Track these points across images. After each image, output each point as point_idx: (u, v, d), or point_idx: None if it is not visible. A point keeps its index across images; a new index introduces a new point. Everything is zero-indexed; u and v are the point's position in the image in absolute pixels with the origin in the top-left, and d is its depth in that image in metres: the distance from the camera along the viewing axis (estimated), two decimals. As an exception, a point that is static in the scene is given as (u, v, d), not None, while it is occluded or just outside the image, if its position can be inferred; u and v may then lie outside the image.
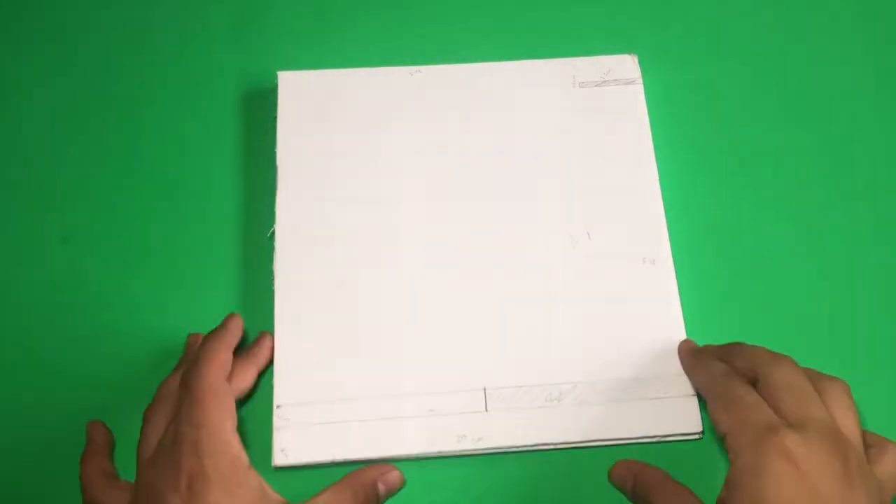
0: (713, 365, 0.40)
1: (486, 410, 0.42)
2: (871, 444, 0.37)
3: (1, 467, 0.42)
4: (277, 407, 0.42)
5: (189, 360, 0.41)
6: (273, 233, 0.45)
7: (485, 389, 0.43)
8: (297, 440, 0.41)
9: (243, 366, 0.42)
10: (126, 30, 0.51)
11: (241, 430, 0.40)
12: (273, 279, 0.44)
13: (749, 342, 0.41)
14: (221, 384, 0.38)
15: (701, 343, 0.43)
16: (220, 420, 0.37)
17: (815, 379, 0.38)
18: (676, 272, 0.45)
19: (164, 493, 0.36)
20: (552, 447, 0.42)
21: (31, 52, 0.51)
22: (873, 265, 0.47)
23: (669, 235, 0.46)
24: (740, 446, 0.36)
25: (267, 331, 0.44)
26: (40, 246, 0.47)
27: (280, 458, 0.41)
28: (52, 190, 0.48)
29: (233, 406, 0.38)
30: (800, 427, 0.35)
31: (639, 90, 0.48)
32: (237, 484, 0.36)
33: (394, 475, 0.41)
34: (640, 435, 0.42)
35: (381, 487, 0.41)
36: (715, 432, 0.39)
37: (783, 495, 0.34)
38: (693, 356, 0.43)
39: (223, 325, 0.42)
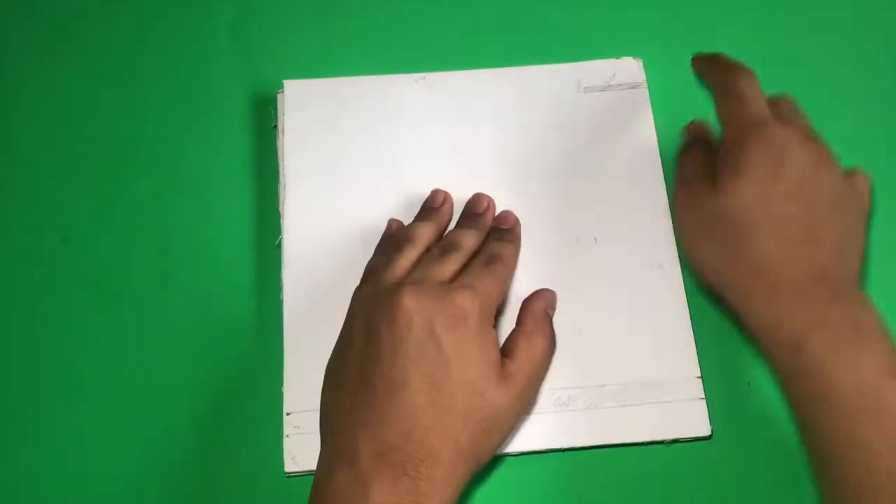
0: (727, 63, 0.44)
1: (496, 416, 0.42)
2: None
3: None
4: (287, 414, 0.42)
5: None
6: (280, 241, 0.46)
7: (494, 395, 0.43)
8: (307, 447, 0.41)
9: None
10: (131, 35, 0.52)
11: (252, 439, 0.40)
12: (281, 287, 0.45)
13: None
14: None
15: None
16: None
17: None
18: (684, 276, 0.45)
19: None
20: (561, 451, 0.42)
21: (34, 56, 0.51)
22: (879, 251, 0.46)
23: (676, 239, 0.46)
24: (732, 130, 0.42)
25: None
26: (42, 246, 0.47)
27: (291, 464, 0.41)
28: (55, 192, 0.48)
29: None
30: (785, 125, 0.41)
31: (644, 94, 0.49)
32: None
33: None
34: (649, 439, 0.42)
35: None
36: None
37: (754, 160, 0.40)
38: (708, 60, 0.46)
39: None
